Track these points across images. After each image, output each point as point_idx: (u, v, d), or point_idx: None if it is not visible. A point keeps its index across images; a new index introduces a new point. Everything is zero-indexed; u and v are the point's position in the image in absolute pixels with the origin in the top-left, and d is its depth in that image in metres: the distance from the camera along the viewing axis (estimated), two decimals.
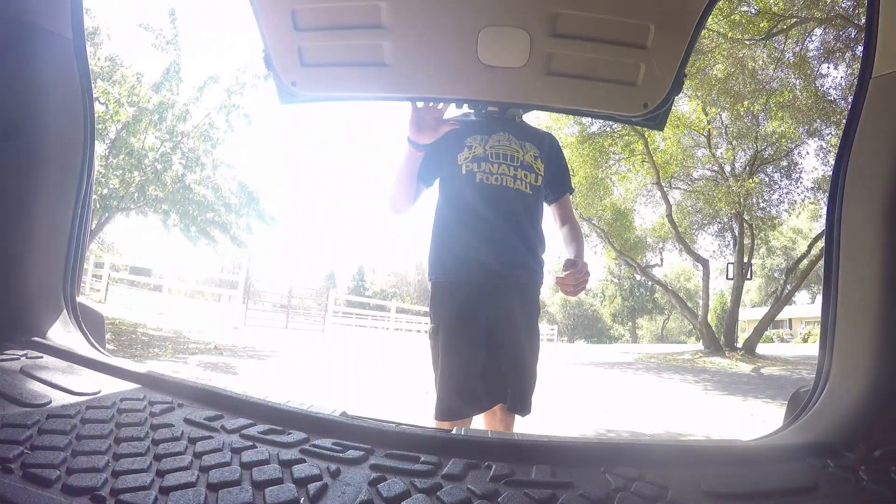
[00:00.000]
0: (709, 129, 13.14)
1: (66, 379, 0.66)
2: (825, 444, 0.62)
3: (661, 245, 18.23)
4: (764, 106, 10.61)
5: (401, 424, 0.65)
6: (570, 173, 1.70)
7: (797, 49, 9.90)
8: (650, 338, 49.76)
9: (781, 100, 10.07)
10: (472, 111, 1.60)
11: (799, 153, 13.34)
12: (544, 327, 28.61)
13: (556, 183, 1.61)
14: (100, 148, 7.55)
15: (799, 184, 13.49)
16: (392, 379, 5.63)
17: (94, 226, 8.29)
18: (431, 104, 1.40)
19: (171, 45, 7.70)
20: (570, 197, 1.67)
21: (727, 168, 13.89)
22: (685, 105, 12.84)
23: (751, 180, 12.37)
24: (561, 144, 1.68)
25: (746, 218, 13.36)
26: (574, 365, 9.56)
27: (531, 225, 1.50)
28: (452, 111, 1.59)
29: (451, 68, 1.20)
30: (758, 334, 13.04)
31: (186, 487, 0.45)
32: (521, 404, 1.43)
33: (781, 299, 14.13)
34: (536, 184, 1.51)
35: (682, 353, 13.14)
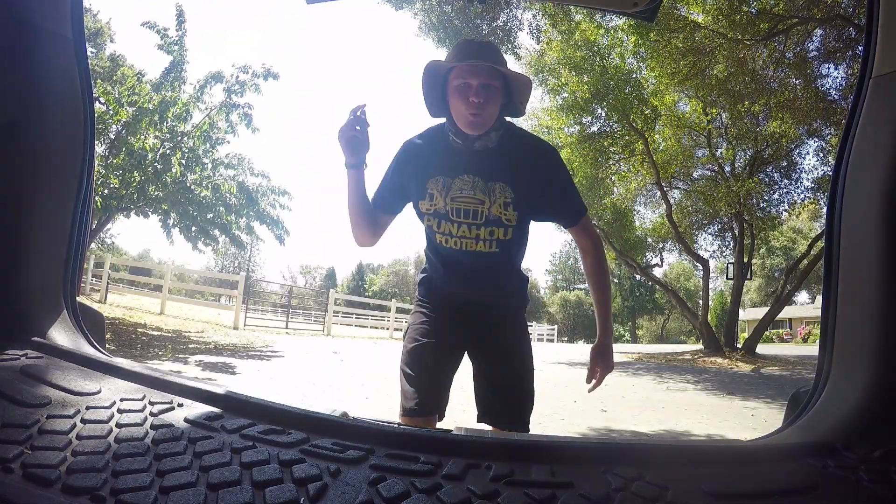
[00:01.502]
0: (709, 129, 13.15)
1: (66, 379, 0.66)
2: (825, 444, 0.62)
3: (661, 245, 18.22)
4: (764, 106, 10.61)
5: (401, 425, 0.65)
6: (579, 194, 1.40)
7: (797, 49, 9.90)
8: (650, 338, 49.77)
9: (781, 100, 10.07)
10: (438, 134, 1.35)
11: (799, 153, 13.35)
12: (544, 327, 28.62)
13: (563, 210, 1.38)
14: (99, 148, 7.55)
15: (799, 184, 13.51)
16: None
17: (94, 226, 8.29)
18: (352, 116, 1.25)
19: (177, 45, 7.68)
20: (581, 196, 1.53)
21: (727, 168, 13.89)
22: (685, 105, 12.86)
23: (751, 180, 12.37)
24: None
25: (746, 218, 13.36)
26: (574, 365, 9.55)
27: (506, 272, 1.42)
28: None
29: None
30: (758, 334, 13.05)
31: (186, 487, 0.45)
32: (509, 420, 1.38)
33: (781, 299, 14.14)
34: (507, 238, 1.33)
35: (683, 354, 13.15)
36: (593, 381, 1.40)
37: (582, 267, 1.45)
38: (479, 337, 1.43)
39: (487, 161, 1.30)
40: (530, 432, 1.42)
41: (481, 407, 1.42)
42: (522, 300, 1.49)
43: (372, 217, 1.38)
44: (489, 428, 1.44)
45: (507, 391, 1.39)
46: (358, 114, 1.25)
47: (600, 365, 1.39)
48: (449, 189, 1.31)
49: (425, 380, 1.34)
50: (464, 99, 1.23)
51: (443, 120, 1.36)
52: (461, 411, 1.49)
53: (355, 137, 1.25)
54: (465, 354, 1.47)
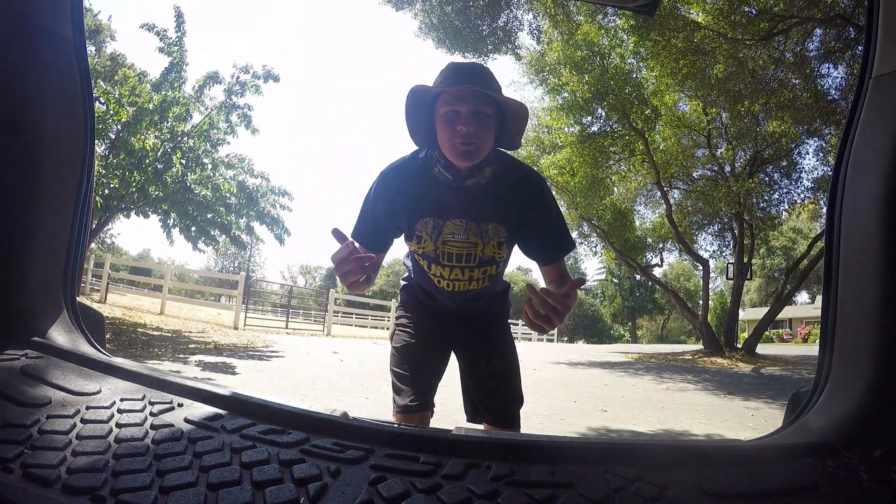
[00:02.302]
0: (709, 129, 13.15)
1: (66, 379, 0.66)
2: (825, 444, 0.62)
3: (661, 245, 18.21)
4: (764, 106, 10.61)
5: (401, 425, 0.65)
6: (566, 228, 1.29)
7: (797, 49, 9.90)
8: (650, 338, 49.81)
9: (781, 100, 10.07)
10: (423, 166, 1.20)
11: (799, 153, 13.35)
12: None
13: (548, 251, 1.26)
14: (99, 148, 7.55)
15: (799, 184, 13.51)
16: None
17: (94, 226, 8.29)
18: (348, 249, 0.99)
19: (176, 46, 7.69)
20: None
21: (727, 168, 13.89)
22: (685, 105, 12.87)
23: (751, 180, 12.37)
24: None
25: (746, 218, 13.36)
26: (574, 365, 9.56)
27: (492, 292, 1.41)
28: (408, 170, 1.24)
29: None
30: (757, 334, 13.05)
31: (186, 487, 0.45)
32: (500, 417, 1.39)
33: (781, 299, 14.13)
34: (497, 271, 1.31)
35: (682, 354, 13.15)
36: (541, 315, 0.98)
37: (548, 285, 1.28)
38: (465, 337, 1.44)
39: (480, 200, 1.19)
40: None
41: (471, 406, 1.44)
42: (506, 306, 1.51)
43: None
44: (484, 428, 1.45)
45: (496, 389, 1.41)
46: (351, 247, 1.00)
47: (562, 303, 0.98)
48: (440, 233, 1.22)
49: (417, 377, 1.36)
50: (451, 127, 1.10)
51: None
52: (462, 411, 1.49)
53: (356, 281, 1.01)
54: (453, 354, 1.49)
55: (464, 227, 1.22)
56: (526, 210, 1.22)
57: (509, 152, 1.30)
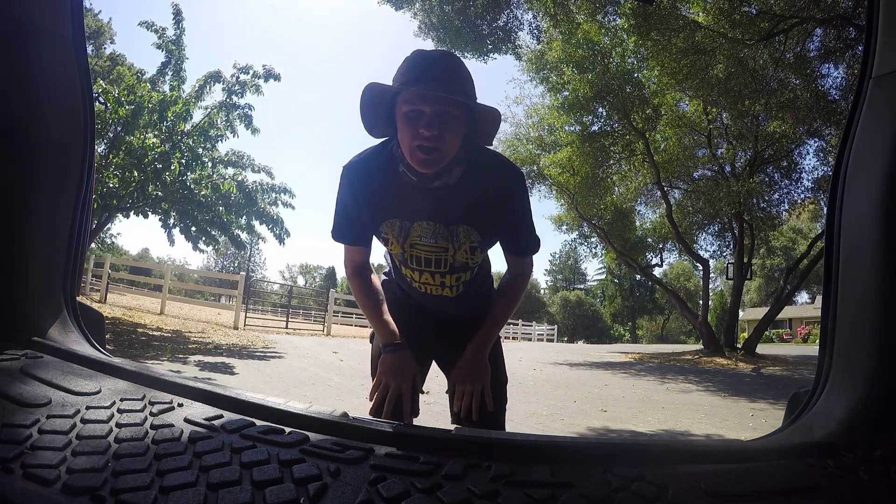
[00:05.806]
0: (709, 129, 13.15)
1: (66, 379, 0.66)
2: (825, 444, 0.62)
3: (661, 245, 18.20)
4: (764, 106, 10.61)
5: (401, 424, 0.66)
6: (533, 229, 1.21)
7: (797, 49, 9.90)
8: (650, 338, 49.86)
9: (781, 100, 10.07)
10: (388, 162, 1.10)
11: (799, 153, 13.35)
12: (544, 327, 28.64)
13: (514, 246, 1.21)
14: (99, 147, 7.56)
15: (799, 184, 13.51)
16: None
17: (94, 226, 8.30)
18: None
19: (175, 44, 7.69)
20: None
21: (727, 168, 13.89)
22: (686, 105, 12.87)
23: (751, 180, 12.37)
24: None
25: (746, 218, 13.36)
26: (574, 366, 9.56)
27: (474, 297, 1.31)
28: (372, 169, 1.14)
29: None
30: (758, 334, 13.06)
31: (186, 487, 0.45)
32: (484, 425, 1.32)
33: (781, 299, 14.13)
34: (473, 276, 1.25)
35: (683, 354, 13.16)
36: (462, 402, 1.16)
37: (501, 280, 1.29)
38: (447, 339, 1.37)
39: (449, 202, 1.08)
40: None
41: (455, 409, 1.39)
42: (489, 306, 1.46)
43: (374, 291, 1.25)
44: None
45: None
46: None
47: (461, 380, 1.16)
48: (407, 235, 1.13)
49: None
50: (413, 129, 0.98)
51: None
52: None
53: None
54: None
55: (432, 230, 1.12)
56: (499, 208, 1.12)
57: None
